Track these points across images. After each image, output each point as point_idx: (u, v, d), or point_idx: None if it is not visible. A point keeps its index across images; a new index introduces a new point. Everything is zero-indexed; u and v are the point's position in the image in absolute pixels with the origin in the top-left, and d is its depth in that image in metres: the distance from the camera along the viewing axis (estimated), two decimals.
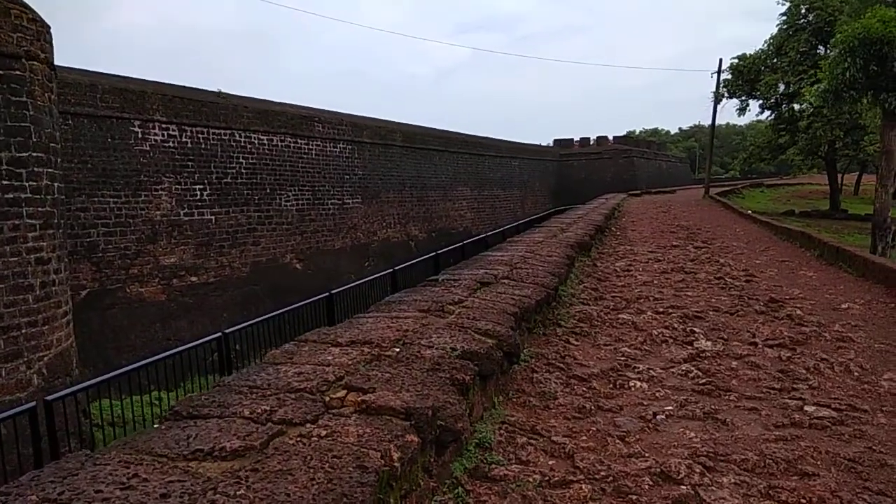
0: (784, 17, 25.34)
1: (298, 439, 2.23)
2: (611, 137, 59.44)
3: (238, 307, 20.98)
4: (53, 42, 11.50)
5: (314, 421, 2.41)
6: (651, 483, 2.77)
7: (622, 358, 4.57)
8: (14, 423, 5.18)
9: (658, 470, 2.87)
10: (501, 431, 3.19)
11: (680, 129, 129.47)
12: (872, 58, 12.10)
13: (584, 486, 2.71)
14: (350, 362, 3.10)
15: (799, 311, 6.07)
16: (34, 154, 10.54)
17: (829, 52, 13.76)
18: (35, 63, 10.74)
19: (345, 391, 2.74)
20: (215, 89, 21.53)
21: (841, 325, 5.55)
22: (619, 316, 5.91)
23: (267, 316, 8.82)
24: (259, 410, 2.47)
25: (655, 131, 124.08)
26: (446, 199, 35.77)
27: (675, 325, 5.47)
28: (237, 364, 9.38)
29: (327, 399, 2.64)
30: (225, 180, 20.88)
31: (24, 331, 10.33)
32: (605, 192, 44.25)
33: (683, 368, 4.32)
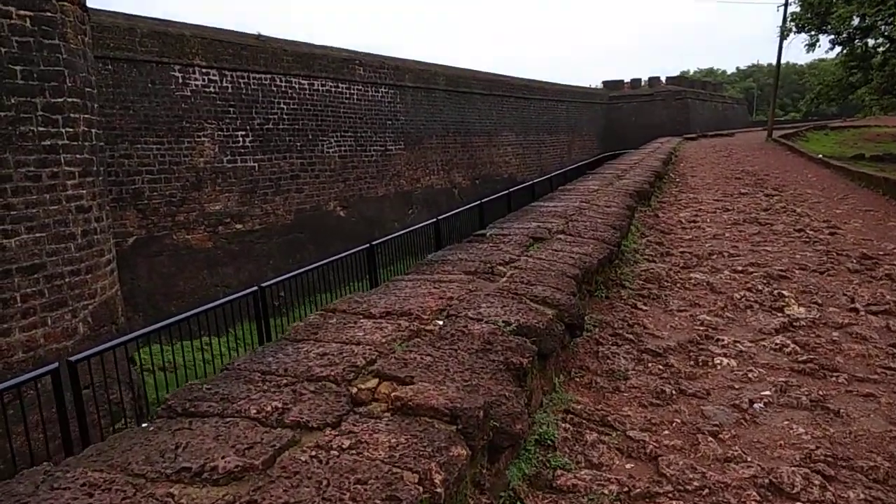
0: None
1: (314, 454, 1.72)
2: (663, 78, 56.65)
3: (283, 254, 20.92)
4: None
5: (336, 424, 1.91)
6: (759, 499, 2.20)
7: (701, 327, 3.94)
8: (36, 385, 4.91)
9: (766, 481, 2.29)
10: (566, 424, 2.64)
11: (737, 68, 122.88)
12: None
13: (673, 502, 2.16)
14: (384, 340, 2.58)
15: None
16: (69, 99, 10.20)
17: None
18: (66, 4, 10.33)
19: (376, 380, 2.21)
20: (255, 32, 20.91)
21: None
22: (692, 275, 5.23)
23: (305, 268, 8.43)
24: (269, 408, 1.98)
25: (711, 71, 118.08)
26: (491, 145, 34.76)
27: (759, 287, 4.77)
28: (276, 313, 9.23)
29: (354, 391, 2.13)
30: (267, 126, 20.47)
31: (67, 279, 10.24)
32: (657, 136, 42.38)
33: (777, 342, 3.66)
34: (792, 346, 3.60)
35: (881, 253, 5.94)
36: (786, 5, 26.04)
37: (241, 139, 19.63)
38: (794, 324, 3.99)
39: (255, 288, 8.24)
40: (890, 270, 5.26)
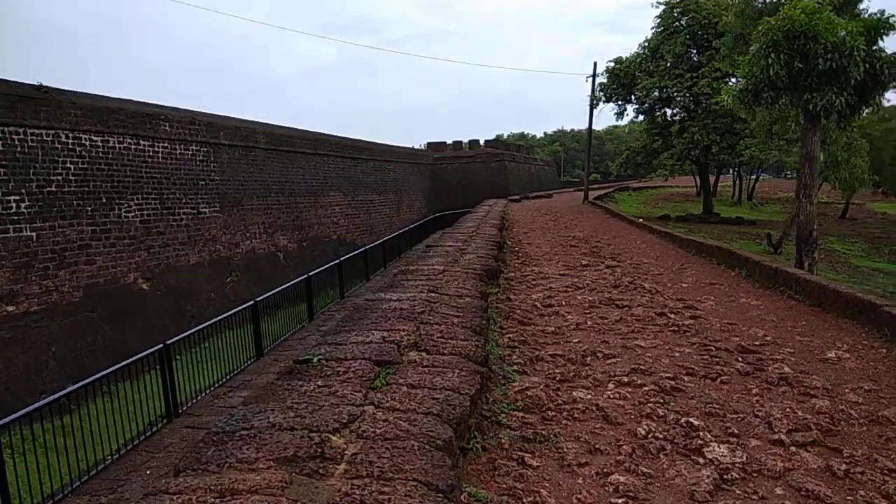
0: (659, 20, 25.51)
1: None
2: (482, 141, 59.42)
3: (69, 339, 17.52)
4: None
5: None
6: None
7: (618, 497, 2.88)
8: None
9: None
10: None
11: (545, 133, 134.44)
12: (796, 53, 11.34)
13: None
14: None
15: (787, 368, 4.74)
16: None
17: (749, 47, 12.92)
18: None
19: None
20: (35, 82, 17.79)
21: (856, 394, 4.25)
22: (576, 395, 4.23)
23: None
24: None
25: (522, 135, 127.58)
26: (318, 206, 33.26)
27: (659, 412, 3.87)
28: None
29: None
30: (48, 189, 17.27)
31: None
32: (478, 195, 43.65)
33: None
34: None
35: (756, 343, 5.46)
36: (594, 76, 28.13)
37: (14, 205, 16.30)
38: (726, 476, 3.08)
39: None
40: (780, 370, 4.71)
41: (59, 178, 17.63)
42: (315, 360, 3.92)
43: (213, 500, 2.12)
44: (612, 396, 4.20)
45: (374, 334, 4.58)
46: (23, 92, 16.94)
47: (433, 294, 6.17)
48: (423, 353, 4.14)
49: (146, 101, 21.90)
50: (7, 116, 16.24)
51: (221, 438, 2.70)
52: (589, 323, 6.35)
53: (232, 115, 26.82)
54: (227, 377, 10.33)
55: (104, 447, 7.33)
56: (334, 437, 2.69)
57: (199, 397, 9.35)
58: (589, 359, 5.10)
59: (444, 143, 57.73)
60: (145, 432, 8.01)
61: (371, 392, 3.32)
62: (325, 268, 16.39)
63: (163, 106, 22.37)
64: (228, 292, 24.81)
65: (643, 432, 3.58)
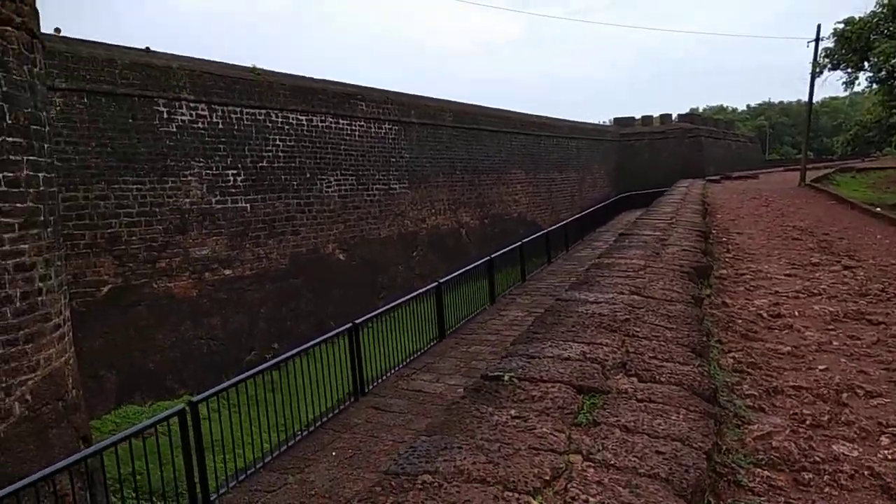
0: None
1: None
2: (675, 116, 55.36)
3: (276, 302, 19.24)
4: (36, 5, 9.47)
5: None
6: None
7: None
8: None
9: None
10: None
11: (748, 105, 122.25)
12: None
13: None
14: None
15: None
16: (10, 139, 8.55)
17: None
18: (8, 29, 8.75)
19: None
20: (249, 65, 19.48)
21: None
22: (837, 450, 3.34)
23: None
24: None
25: (721, 109, 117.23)
26: (500, 183, 33.19)
27: None
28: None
29: None
30: (260, 164, 18.92)
31: (0, 351, 8.50)
32: (669, 175, 40.67)
33: None
34: None
35: None
36: (816, 40, 24.47)
37: (231, 178, 18.05)
38: None
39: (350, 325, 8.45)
40: None
41: (270, 154, 19.19)
42: (506, 377, 3.47)
43: None
44: (889, 457, 3.26)
45: (571, 347, 4.04)
46: (239, 73, 18.58)
47: (636, 297, 5.46)
48: (634, 380, 3.51)
49: (341, 81, 23.10)
50: (226, 97, 17.92)
51: (401, 485, 2.32)
52: (835, 343, 5.23)
53: (419, 94, 27.47)
54: (411, 358, 10.44)
55: (296, 419, 7.62)
56: (535, 503, 2.19)
57: (383, 377, 9.51)
58: (846, 396, 4.11)
59: (633, 118, 54.72)
60: (333, 410, 8.24)
61: (575, 431, 2.78)
62: (507, 250, 16.07)
63: (358, 86, 23.45)
64: (414, 265, 25.69)
65: None
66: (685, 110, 64.36)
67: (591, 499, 2.21)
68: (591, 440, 2.70)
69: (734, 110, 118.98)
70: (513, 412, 3.01)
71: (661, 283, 5.96)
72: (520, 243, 16.66)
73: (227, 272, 18.03)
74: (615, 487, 2.29)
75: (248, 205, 18.56)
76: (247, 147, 18.43)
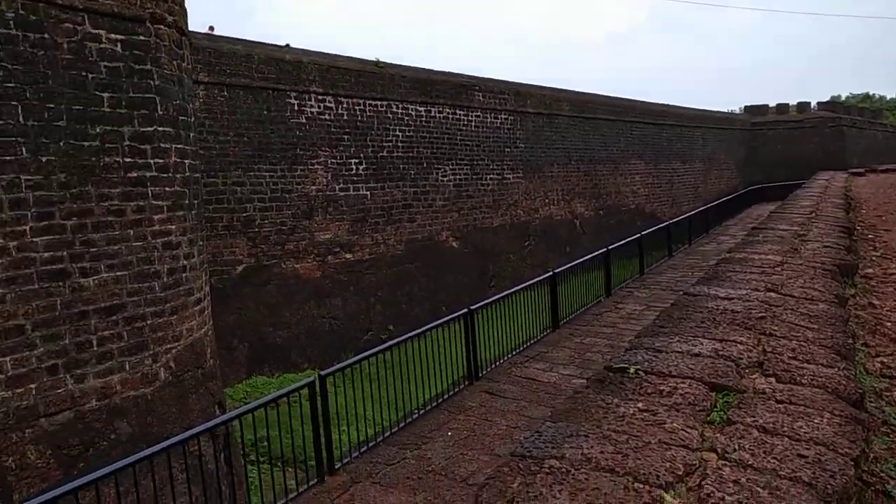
0: None
1: None
2: (814, 104, 51.03)
3: (392, 286, 19.93)
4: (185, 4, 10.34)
5: None
6: None
7: None
8: None
9: None
10: None
11: None
12: None
13: None
14: None
15: None
16: (160, 128, 9.43)
17: None
18: (161, 27, 9.63)
19: None
20: (373, 58, 20.20)
21: None
22: None
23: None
24: None
25: (867, 97, 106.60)
26: (617, 174, 32.29)
27: None
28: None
29: None
30: (381, 154, 19.63)
31: (149, 321, 9.43)
32: (806, 167, 37.66)
33: None
34: None
35: None
36: None
37: (354, 167, 18.86)
38: None
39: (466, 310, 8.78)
40: None
41: (390, 144, 19.84)
42: (632, 370, 3.45)
43: None
44: None
45: (702, 343, 3.94)
46: (363, 67, 19.32)
47: (772, 294, 5.20)
48: (772, 380, 3.38)
49: (458, 71, 23.35)
50: (351, 89, 18.70)
51: (528, 467, 2.40)
52: None
53: (536, 83, 27.22)
54: (524, 346, 10.51)
55: (412, 398, 7.92)
56: (668, 497, 2.21)
57: (497, 363, 9.65)
58: None
59: (766, 105, 51.09)
60: (448, 392, 8.49)
61: (708, 429, 2.74)
62: (625, 242, 15.68)
63: (476, 77, 23.63)
64: (526, 255, 25.66)
65: None
66: (825, 97, 59.31)
67: (727, 497, 2.19)
68: (726, 439, 2.65)
69: (882, 98, 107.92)
70: (640, 405, 3.01)
71: (800, 281, 5.64)
72: (639, 235, 16.20)
73: (348, 256, 18.86)
74: (753, 488, 2.25)
75: (368, 192, 19.30)
76: (368, 137, 19.15)
